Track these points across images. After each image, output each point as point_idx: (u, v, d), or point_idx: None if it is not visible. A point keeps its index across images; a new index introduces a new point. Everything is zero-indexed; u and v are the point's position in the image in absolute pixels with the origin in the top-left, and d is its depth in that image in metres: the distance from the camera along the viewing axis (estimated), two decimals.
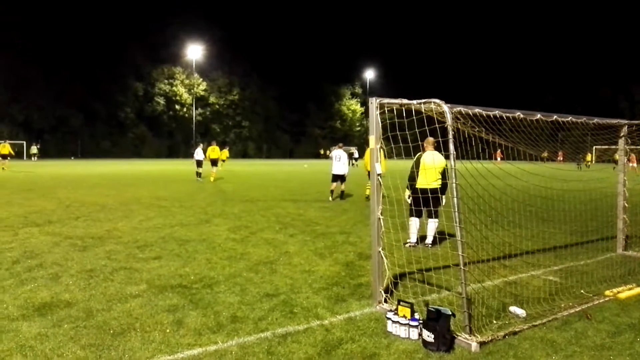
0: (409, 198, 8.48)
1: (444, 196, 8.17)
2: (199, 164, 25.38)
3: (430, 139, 8.34)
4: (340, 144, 17.25)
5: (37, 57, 66.33)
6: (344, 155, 15.98)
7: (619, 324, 4.97)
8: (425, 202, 7.90)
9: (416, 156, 8.37)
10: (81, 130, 71.24)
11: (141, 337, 4.44)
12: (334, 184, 15.78)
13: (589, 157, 43.62)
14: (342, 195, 16.01)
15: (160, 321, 4.84)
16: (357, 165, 43.01)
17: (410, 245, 8.33)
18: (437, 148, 8.47)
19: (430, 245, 8.44)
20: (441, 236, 8.58)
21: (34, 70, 65.81)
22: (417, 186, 8.27)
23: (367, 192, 14.48)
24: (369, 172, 15.05)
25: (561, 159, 42.38)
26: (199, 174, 25.23)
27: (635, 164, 40.60)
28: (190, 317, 4.98)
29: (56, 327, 4.64)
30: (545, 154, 8.14)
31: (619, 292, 5.84)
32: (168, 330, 4.61)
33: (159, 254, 7.73)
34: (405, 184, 8.55)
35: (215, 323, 4.82)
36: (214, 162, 26.51)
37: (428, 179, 8.24)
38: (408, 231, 8.46)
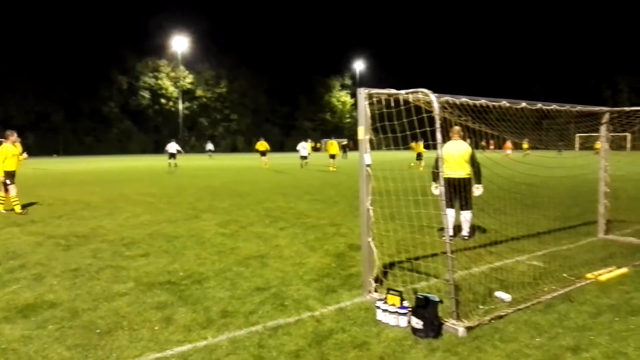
0: (435, 189, 8.28)
1: (480, 185, 7.98)
2: (172, 156, 31.55)
3: (456, 128, 7.97)
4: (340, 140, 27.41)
5: (14, 51, 64.87)
6: (335, 142, 30.17)
7: (600, 305, 5.07)
8: (453, 192, 7.76)
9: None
10: (63, 126, 70.02)
11: (129, 335, 4.41)
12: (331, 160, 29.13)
13: (525, 145, 37.58)
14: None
15: (149, 318, 4.81)
16: (347, 156, 47.83)
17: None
18: (424, 137, 8.36)
19: (467, 237, 8.16)
20: (430, 225, 8.56)
21: (11, 66, 64.39)
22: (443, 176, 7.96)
23: (330, 169, 28.51)
24: (330, 155, 30.30)
25: (510, 152, 39.43)
26: (170, 165, 31.04)
27: (510, 152, 39.61)
28: (180, 313, 4.96)
29: (40, 329, 4.58)
30: (483, 143, 8.04)
31: (599, 275, 5.95)
32: (157, 328, 4.59)
33: (146, 251, 7.67)
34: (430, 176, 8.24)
35: (205, 318, 4.81)
36: (263, 154, 31.69)
37: (452, 169, 7.94)
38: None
